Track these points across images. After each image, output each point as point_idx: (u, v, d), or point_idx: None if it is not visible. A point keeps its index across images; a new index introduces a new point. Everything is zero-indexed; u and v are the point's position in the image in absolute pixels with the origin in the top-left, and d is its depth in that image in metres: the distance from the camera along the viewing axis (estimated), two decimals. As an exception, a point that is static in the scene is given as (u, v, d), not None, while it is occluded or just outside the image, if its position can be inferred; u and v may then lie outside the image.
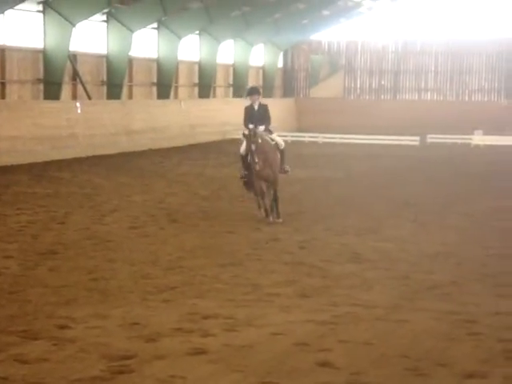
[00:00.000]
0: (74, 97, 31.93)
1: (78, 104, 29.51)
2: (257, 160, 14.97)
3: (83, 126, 28.95)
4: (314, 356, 7.60)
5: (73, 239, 13.47)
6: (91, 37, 33.04)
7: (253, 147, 14.99)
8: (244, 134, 15.35)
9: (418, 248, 13.19)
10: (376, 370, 7.30)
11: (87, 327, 8.42)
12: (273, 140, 15.61)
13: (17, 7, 28.08)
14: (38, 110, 27.49)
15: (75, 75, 31.96)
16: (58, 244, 13.02)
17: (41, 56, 30.11)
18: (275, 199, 15.57)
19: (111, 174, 23.63)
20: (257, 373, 7.16)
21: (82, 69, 32.30)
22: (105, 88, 33.83)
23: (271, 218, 15.41)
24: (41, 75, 30.19)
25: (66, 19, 29.59)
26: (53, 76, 30.05)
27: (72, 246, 12.93)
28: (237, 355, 7.60)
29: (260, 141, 15.07)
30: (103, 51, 33.63)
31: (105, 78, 33.72)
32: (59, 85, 30.26)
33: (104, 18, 33.16)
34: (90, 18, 31.43)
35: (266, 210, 15.51)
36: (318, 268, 11.57)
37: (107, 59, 33.55)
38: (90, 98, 31.99)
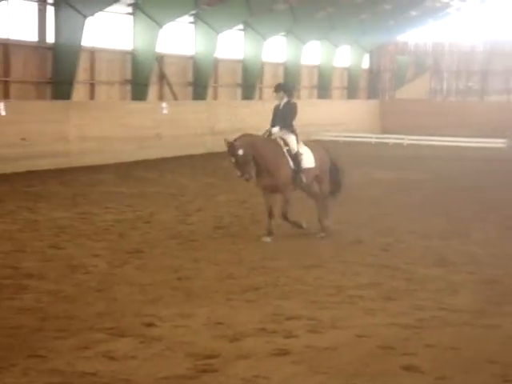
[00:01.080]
0: (161, 98, 32.33)
1: (164, 105, 29.87)
2: (239, 173, 13.47)
3: (169, 126, 29.29)
4: (399, 359, 7.55)
5: (158, 238, 13.65)
6: (178, 38, 33.39)
7: (232, 160, 13.43)
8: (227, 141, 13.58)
9: (505, 251, 12.97)
10: (462, 375, 7.21)
11: (173, 326, 8.53)
12: (286, 144, 13.92)
13: (107, 9, 28.56)
14: (125, 110, 27.92)
15: (162, 76, 32.37)
16: (144, 243, 13.20)
17: (129, 57, 30.59)
18: (283, 215, 13.93)
19: (196, 174, 23.86)
20: (340, 375, 7.15)
21: (168, 70, 32.68)
22: (190, 89, 34.17)
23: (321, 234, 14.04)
24: (129, 76, 30.66)
25: (154, 21, 29.98)
26: (140, 77, 30.50)
27: (157, 245, 13.09)
28: (320, 357, 7.60)
29: (248, 146, 13.38)
30: (189, 52, 33.96)
31: (191, 79, 34.05)
32: (146, 86, 30.70)
33: (190, 19, 33.48)
34: (177, 20, 31.78)
35: (269, 231, 13.80)
36: (402, 271, 11.48)
37: (193, 60, 33.87)
38: (176, 98, 32.35)
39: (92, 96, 29.25)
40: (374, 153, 32.96)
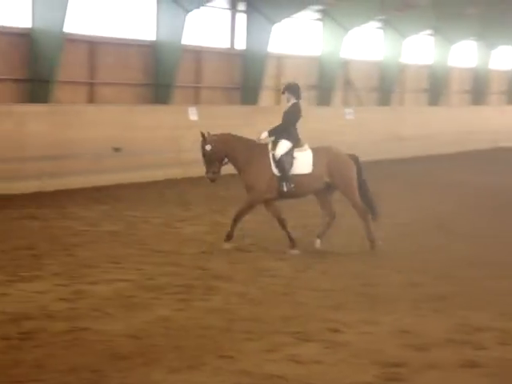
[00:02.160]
0: (345, 103, 32.36)
1: (348, 110, 29.86)
2: (205, 170, 12.97)
3: (353, 131, 29.24)
4: None
5: (340, 243, 13.62)
6: (363, 43, 33.35)
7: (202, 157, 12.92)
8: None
9: None
10: None
11: (358, 332, 8.51)
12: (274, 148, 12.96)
13: (294, 16, 28.90)
14: (310, 115, 28.08)
15: (347, 82, 32.41)
16: (327, 248, 13.20)
17: (315, 63, 30.82)
18: (236, 216, 12.99)
19: (380, 180, 23.67)
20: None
21: (353, 75, 32.68)
22: (375, 94, 34.03)
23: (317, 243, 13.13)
24: (314, 82, 30.88)
25: (342, 26, 30.09)
26: (326, 82, 30.67)
27: (340, 250, 13.09)
28: (512, 371, 7.39)
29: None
30: (375, 58, 33.85)
31: (376, 85, 33.91)
32: (331, 91, 30.83)
33: (378, 24, 33.37)
34: (364, 25, 31.77)
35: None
36: None
37: (379, 66, 33.72)
38: (361, 104, 32.30)
39: (278, 101, 29.65)
40: None
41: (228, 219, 15.61)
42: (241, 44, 28.22)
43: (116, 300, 9.48)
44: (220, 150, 12.96)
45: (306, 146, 13.34)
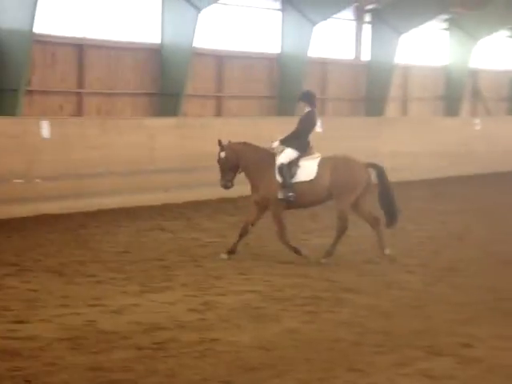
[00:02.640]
0: (474, 113, 31.75)
1: (477, 120, 29.29)
2: (220, 177, 13.15)
3: (482, 142, 28.65)
4: None
5: (473, 256, 13.35)
6: (493, 52, 32.69)
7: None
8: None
9: None
10: None
11: (491, 347, 8.29)
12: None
13: (422, 26, 28.56)
14: (437, 126, 27.72)
15: (476, 91, 31.80)
16: (458, 261, 12.97)
17: (442, 73, 30.38)
18: (280, 239, 12.94)
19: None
20: None
21: (482, 85, 32.05)
22: (506, 104, 33.29)
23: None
24: (441, 92, 30.45)
25: (470, 36, 29.58)
26: (453, 93, 30.19)
27: (472, 263, 12.82)
28: None
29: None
30: (506, 67, 33.15)
31: (506, 95, 33.17)
32: (459, 101, 30.31)
33: (508, 33, 32.72)
34: (494, 34, 31.15)
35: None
36: None
37: (510, 75, 33.00)
38: (490, 114, 31.63)
39: (404, 112, 29.35)
40: None
41: (356, 231, 15.54)
42: (366, 55, 28.07)
43: (244, 311, 9.53)
44: (233, 159, 13.01)
45: (317, 155, 13.15)
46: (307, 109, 13.19)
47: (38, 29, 18.21)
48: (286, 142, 13.04)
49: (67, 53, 20.02)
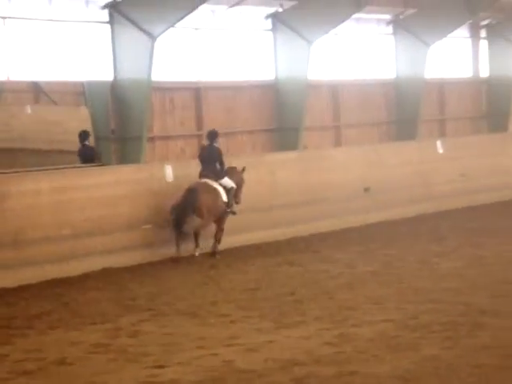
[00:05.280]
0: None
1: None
2: None
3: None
4: None
5: None
6: None
7: None
8: None
9: None
10: None
11: None
12: None
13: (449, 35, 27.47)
14: None
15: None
16: None
17: (484, 86, 28.81)
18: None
19: None
20: None
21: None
22: None
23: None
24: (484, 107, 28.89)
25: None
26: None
27: None
28: None
29: None
30: None
31: None
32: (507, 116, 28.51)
33: None
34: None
35: None
36: None
37: None
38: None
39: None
40: None
41: (485, 251, 15.18)
42: (485, 71, 27.56)
43: (380, 341, 9.39)
44: None
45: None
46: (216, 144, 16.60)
47: (155, 76, 18.63)
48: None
49: (185, 97, 20.41)
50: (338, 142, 23.95)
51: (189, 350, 9.44)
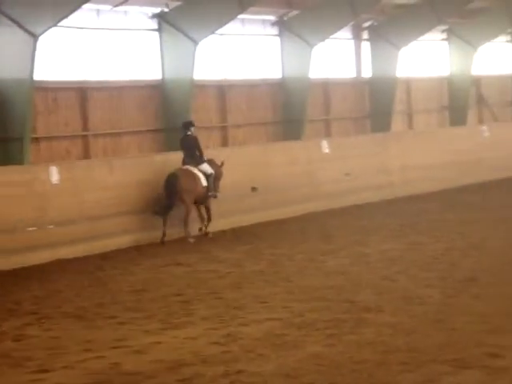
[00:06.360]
0: (480, 121, 31.72)
1: (484, 128, 29.23)
2: None
3: (490, 149, 28.55)
4: None
5: (492, 265, 13.26)
6: (494, 58, 32.72)
7: None
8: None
9: None
10: None
11: (518, 356, 8.21)
12: None
13: (420, 38, 28.60)
14: (444, 136, 27.67)
15: (480, 99, 31.80)
16: (477, 271, 12.88)
17: (445, 83, 30.41)
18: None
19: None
20: None
21: (486, 92, 32.04)
22: (511, 108, 33.29)
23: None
24: (446, 102, 30.45)
25: (469, 44, 29.63)
26: (458, 102, 30.19)
27: (492, 272, 12.72)
28: None
29: None
30: (507, 72, 33.16)
31: (510, 99, 33.16)
32: (465, 110, 30.28)
33: (508, 38, 32.81)
34: (493, 41, 31.19)
35: None
36: None
37: (512, 79, 33.08)
38: (496, 120, 31.59)
39: (410, 125, 29.34)
40: None
41: (371, 249, 15.49)
42: (367, 72, 28.13)
43: (267, 340, 9.46)
44: None
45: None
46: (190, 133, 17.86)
47: (38, 76, 18.30)
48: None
49: (69, 97, 20.12)
50: (225, 142, 24.03)
51: (75, 354, 9.32)
